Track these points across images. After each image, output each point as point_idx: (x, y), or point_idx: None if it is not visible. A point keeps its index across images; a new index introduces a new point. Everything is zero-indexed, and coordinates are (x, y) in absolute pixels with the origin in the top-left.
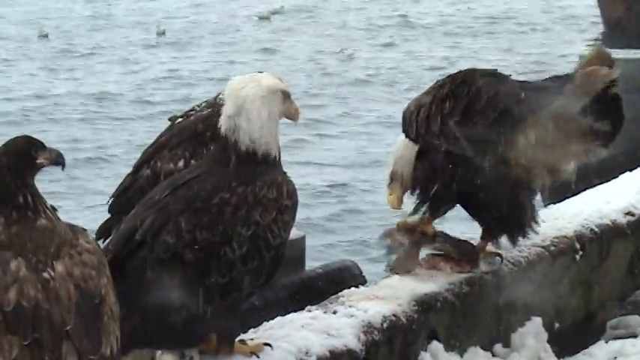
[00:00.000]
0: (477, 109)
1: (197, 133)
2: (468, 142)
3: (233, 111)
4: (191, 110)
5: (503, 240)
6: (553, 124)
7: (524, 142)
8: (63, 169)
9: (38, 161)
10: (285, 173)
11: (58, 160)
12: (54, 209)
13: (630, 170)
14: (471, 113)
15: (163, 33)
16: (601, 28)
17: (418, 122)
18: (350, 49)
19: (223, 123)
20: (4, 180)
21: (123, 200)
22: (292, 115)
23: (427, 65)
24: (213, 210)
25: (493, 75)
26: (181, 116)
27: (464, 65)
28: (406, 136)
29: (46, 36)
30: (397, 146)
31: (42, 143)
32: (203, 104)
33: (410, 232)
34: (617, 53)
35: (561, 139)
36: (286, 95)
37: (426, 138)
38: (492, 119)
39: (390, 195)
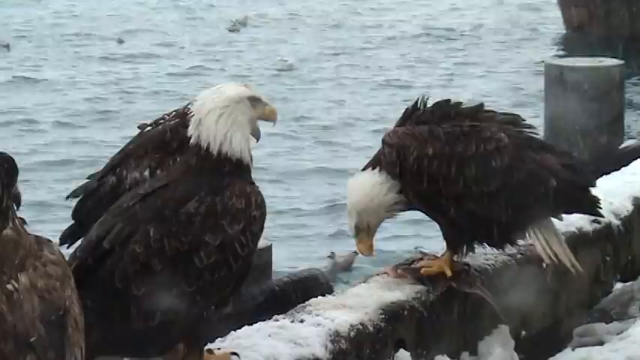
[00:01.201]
0: (504, 187)
1: (164, 143)
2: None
3: (197, 123)
4: (160, 119)
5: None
6: None
7: None
8: (17, 208)
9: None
10: (253, 184)
11: (18, 198)
12: (23, 221)
13: (596, 178)
14: (497, 191)
15: (122, 42)
16: (562, 32)
17: (430, 175)
18: (291, 59)
19: (192, 132)
20: None
21: (87, 206)
22: (268, 116)
23: (370, 79)
24: (182, 219)
25: (517, 144)
26: (150, 125)
27: (417, 76)
28: (398, 179)
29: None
30: (359, 194)
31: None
32: (172, 113)
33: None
34: (583, 62)
35: None
36: (255, 100)
37: (437, 196)
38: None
39: (360, 244)
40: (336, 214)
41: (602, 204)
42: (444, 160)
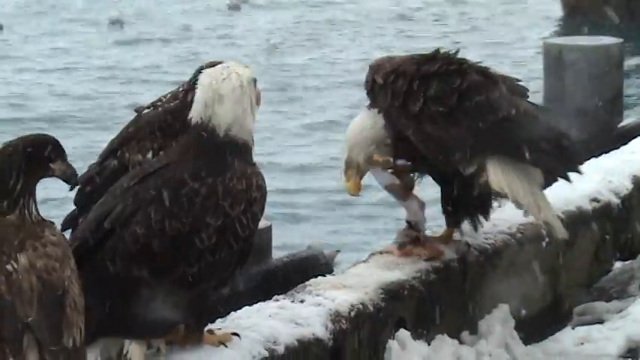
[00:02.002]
0: (462, 109)
1: (166, 125)
2: (439, 145)
3: (211, 101)
4: (158, 101)
5: (466, 227)
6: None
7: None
8: (71, 189)
9: (51, 166)
10: (254, 165)
11: (70, 178)
12: (37, 212)
13: (596, 156)
14: (453, 112)
15: (119, 23)
16: (559, 12)
17: (393, 91)
18: (277, 39)
19: (197, 112)
20: (6, 167)
21: (89, 191)
22: (258, 100)
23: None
24: (183, 200)
25: (485, 75)
26: (148, 107)
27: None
28: (369, 96)
29: None
30: (352, 129)
31: (64, 152)
32: (169, 95)
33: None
34: (581, 40)
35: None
36: (254, 82)
37: (398, 114)
38: (477, 128)
39: (347, 182)
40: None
41: (601, 183)
42: (408, 77)
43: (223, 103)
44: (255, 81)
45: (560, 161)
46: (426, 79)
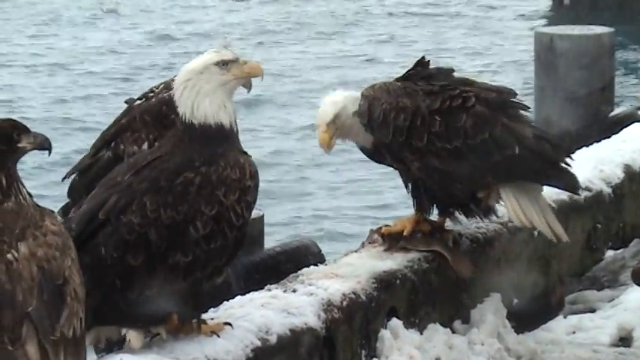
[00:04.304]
0: (468, 147)
1: (161, 116)
2: (444, 177)
3: (177, 89)
4: (149, 92)
5: (460, 215)
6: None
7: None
8: (49, 154)
9: (20, 145)
10: (246, 153)
11: (43, 144)
12: (29, 195)
13: (587, 145)
14: (459, 149)
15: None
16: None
17: (395, 127)
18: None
19: (177, 103)
20: None
21: (83, 183)
22: (250, 73)
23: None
24: (178, 189)
25: (488, 104)
26: (139, 98)
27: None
28: (371, 131)
29: None
30: (339, 101)
31: (25, 127)
32: (161, 86)
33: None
34: (572, 29)
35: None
36: (226, 63)
37: (402, 149)
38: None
39: (324, 133)
40: None
41: (592, 172)
42: (410, 114)
43: (176, 97)
44: (222, 63)
45: (561, 181)
46: (430, 116)
